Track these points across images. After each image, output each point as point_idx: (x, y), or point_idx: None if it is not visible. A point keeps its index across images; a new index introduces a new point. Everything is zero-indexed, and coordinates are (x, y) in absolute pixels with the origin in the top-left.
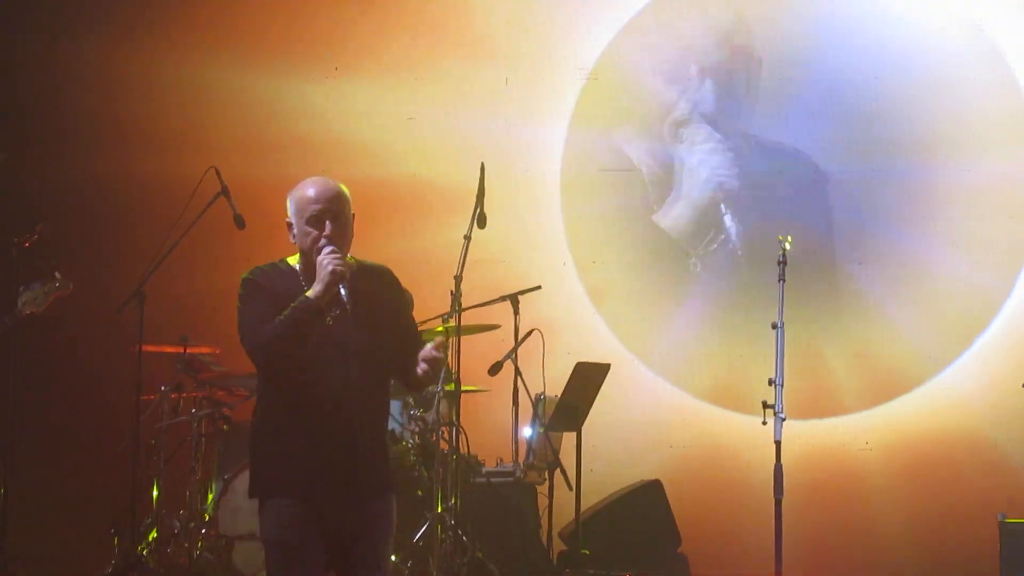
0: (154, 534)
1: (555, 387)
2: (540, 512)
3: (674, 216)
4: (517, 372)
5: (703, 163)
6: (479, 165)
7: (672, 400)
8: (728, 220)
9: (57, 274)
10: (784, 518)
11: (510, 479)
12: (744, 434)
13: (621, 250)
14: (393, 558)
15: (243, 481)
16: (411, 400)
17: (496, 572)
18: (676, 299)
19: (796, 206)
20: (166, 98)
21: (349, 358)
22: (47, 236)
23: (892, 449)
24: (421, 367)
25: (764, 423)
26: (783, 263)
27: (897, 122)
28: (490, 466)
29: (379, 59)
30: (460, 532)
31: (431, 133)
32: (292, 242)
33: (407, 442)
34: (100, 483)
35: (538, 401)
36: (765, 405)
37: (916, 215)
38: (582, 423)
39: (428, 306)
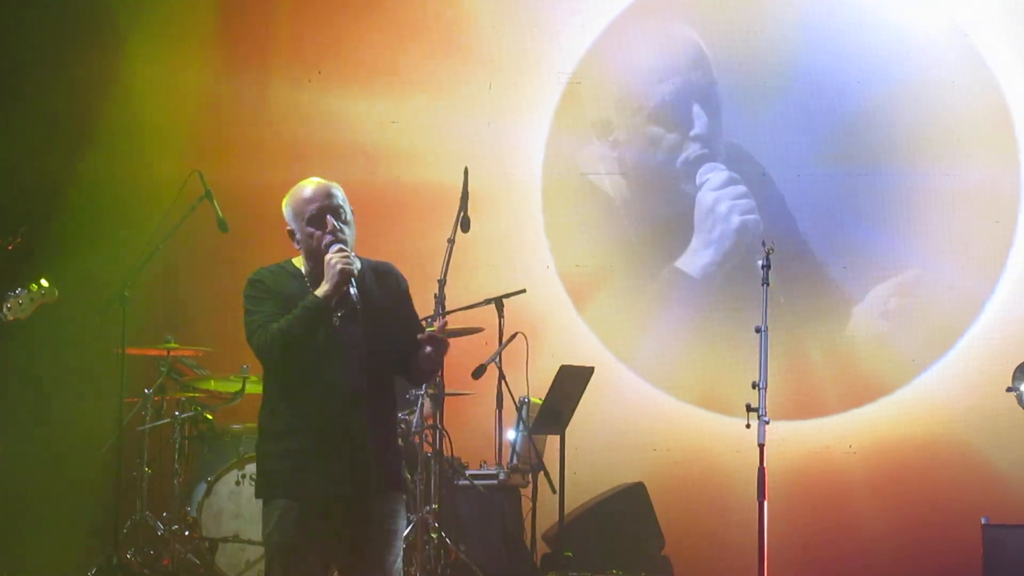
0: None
1: (539, 390)
2: (523, 515)
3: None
4: (501, 375)
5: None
6: (463, 169)
7: (656, 403)
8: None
9: (43, 281)
10: (768, 521)
11: (494, 482)
12: (728, 437)
13: (604, 254)
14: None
15: (226, 483)
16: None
17: (479, 574)
18: (659, 302)
19: (779, 210)
20: (149, 100)
21: (356, 357)
22: (30, 239)
23: (876, 452)
24: (426, 349)
25: (748, 426)
26: (766, 267)
27: (881, 126)
28: (474, 468)
29: (363, 63)
30: (443, 534)
31: (415, 137)
32: (296, 248)
33: None
34: (83, 485)
35: (522, 404)
36: (749, 408)
37: (899, 219)
38: (566, 426)
39: None
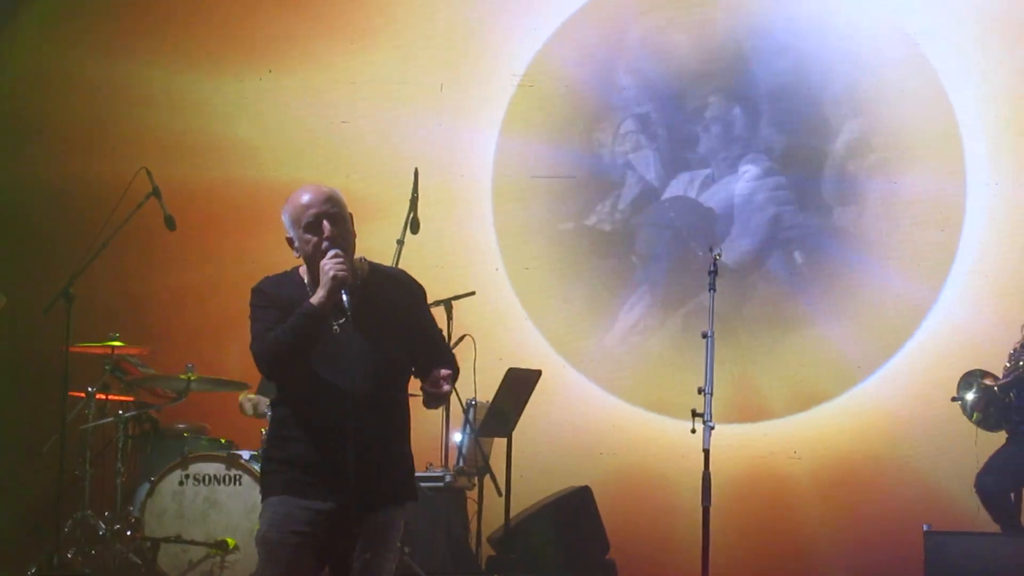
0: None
1: (486, 393)
2: (469, 517)
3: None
4: None
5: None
6: (413, 170)
7: (603, 406)
8: None
9: None
10: (712, 526)
11: (440, 484)
12: (674, 441)
13: (553, 257)
14: None
15: (169, 483)
16: None
17: None
18: (608, 306)
19: (727, 216)
20: (96, 97)
21: (356, 366)
22: None
23: (820, 458)
24: (428, 401)
25: (693, 431)
26: (714, 273)
27: (829, 133)
28: (420, 471)
29: (314, 62)
30: None
31: (365, 137)
32: (296, 256)
33: None
34: (25, 484)
35: (469, 406)
36: (695, 414)
37: (846, 225)
38: (513, 429)
39: None
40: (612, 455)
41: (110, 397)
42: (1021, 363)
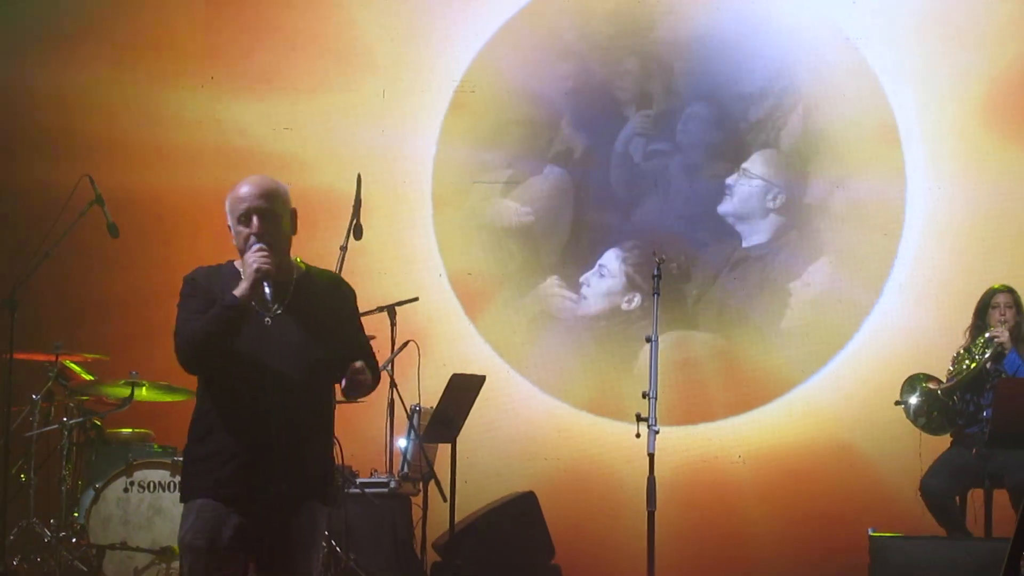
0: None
1: (430, 398)
2: (414, 523)
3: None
4: (392, 383)
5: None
6: (356, 176)
7: (547, 411)
8: None
9: None
10: (657, 529)
11: (384, 490)
12: (619, 445)
13: (496, 262)
14: None
15: (114, 490)
16: None
17: None
18: (550, 310)
19: (671, 219)
20: (38, 103)
21: (286, 360)
22: None
23: (764, 462)
24: (347, 389)
25: (638, 435)
26: (657, 277)
27: (771, 135)
28: (364, 477)
29: (256, 69)
30: (334, 543)
31: (308, 144)
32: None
33: None
34: None
35: (413, 412)
36: (639, 418)
37: (788, 227)
38: (457, 434)
39: None
40: (556, 459)
41: (54, 404)
42: (964, 366)
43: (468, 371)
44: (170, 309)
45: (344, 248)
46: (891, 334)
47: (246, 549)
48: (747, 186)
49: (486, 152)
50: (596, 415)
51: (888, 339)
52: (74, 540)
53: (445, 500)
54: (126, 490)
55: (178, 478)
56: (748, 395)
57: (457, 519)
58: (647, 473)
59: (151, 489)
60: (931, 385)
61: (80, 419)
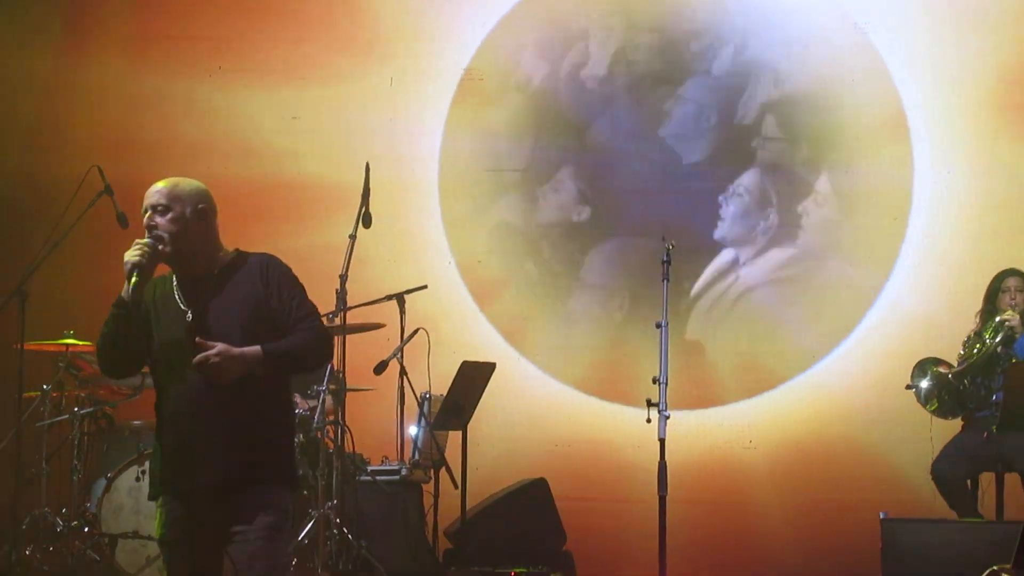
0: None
1: (441, 386)
2: (425, 510)
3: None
4: (403, 371)
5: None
6: (364, 165)
7: (558, 397)
8: None
9: None
10: (668, 515)
11: (396, 477)
12: (630, 431)
13: (505, 250)
14: None
15: (125, 480)
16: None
17: (381, 570)
18: (561, 296)
19: (680, 206)
20: (48, 95)
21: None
22: None
23: (775, 447)
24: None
25: (648, 421)
26: (667, 263)
27: (780, 122)
28: (375, 464)
29: (264, 58)
30: (345, 530)
31: (316, 133)
32: None
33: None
34: None
35: (424, 400)
36: (649, 403)
37: (798, 213)
38: (467, 421)
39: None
40: (567, 446)
41: (65, 394)
42: (975, 350)
43: (478, 358)
44: None
45: (353, 237)
46: (901, 318)
47: (209, 539)
48: (754, 171)
49: (497, 139)
50: (606, 400)
51: (898, 323)
52: (86, 529)
53: (456, 487)
54: (137, 479)
55: None
56: (759, 379)
57: (468, 506)
58: (658, 458)
59: None
60: (942, 369)
61: (91, 409)
